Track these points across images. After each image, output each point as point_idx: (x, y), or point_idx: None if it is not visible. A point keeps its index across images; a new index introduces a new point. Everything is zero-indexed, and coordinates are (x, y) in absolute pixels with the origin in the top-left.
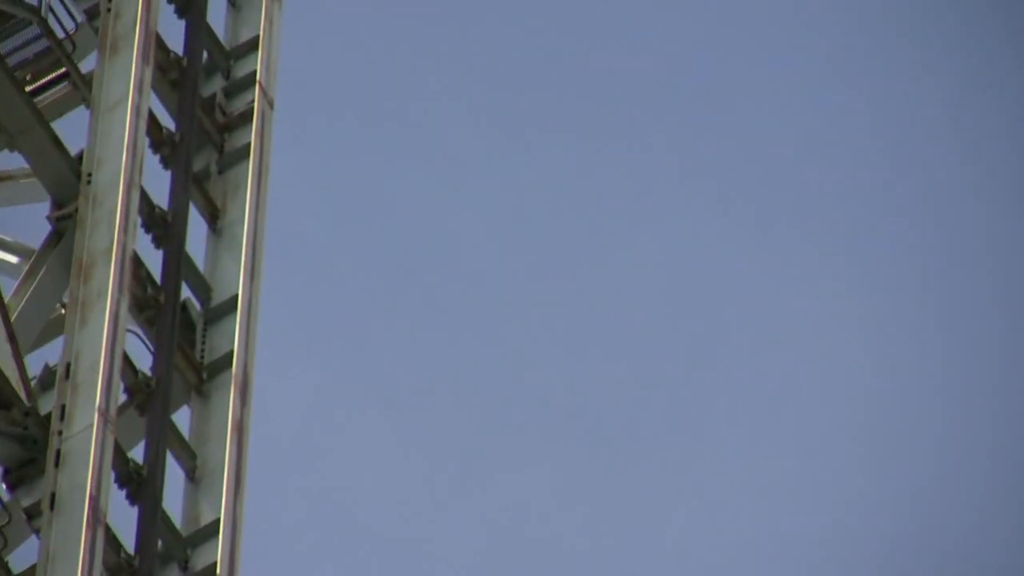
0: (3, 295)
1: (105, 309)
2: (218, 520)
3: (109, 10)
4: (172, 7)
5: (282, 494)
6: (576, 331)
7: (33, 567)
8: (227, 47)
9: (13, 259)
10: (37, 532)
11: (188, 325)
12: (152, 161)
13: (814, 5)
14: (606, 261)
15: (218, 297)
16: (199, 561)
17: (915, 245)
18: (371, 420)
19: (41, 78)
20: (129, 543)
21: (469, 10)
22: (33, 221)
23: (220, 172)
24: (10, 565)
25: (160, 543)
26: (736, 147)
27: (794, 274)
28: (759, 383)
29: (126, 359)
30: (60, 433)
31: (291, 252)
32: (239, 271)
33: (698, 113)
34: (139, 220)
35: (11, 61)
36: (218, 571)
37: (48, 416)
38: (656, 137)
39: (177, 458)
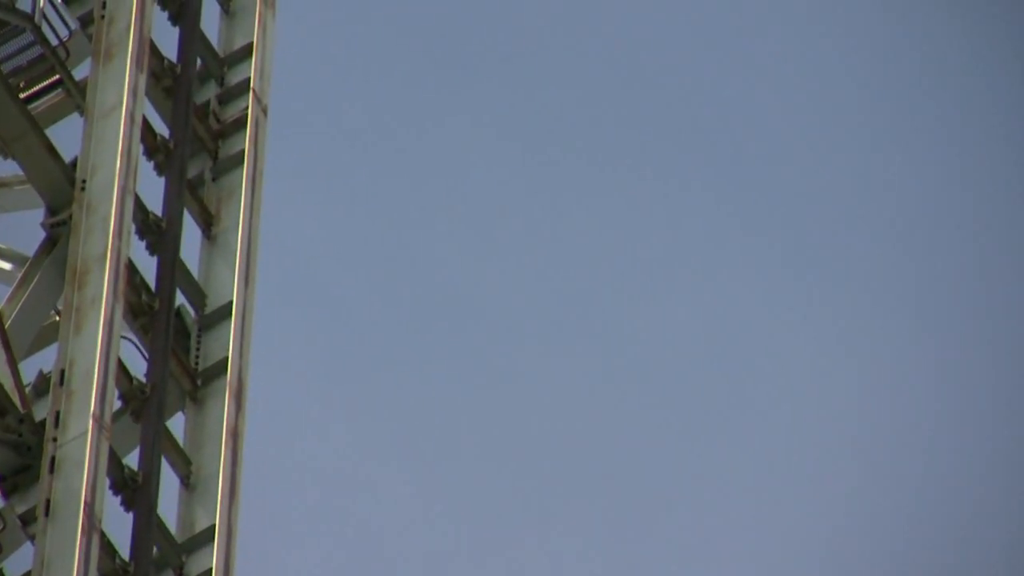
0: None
1: (99, 316)
2: (213, 527)
3: (103, 17)
4: (166, 14)
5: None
6: (604, 387)
7: (28, 574)
8: (221, 54)
9: (7, 266)
10: (32, 539)
11: (183, 332)
12: (146, 168)
13: (858, 67)
14: (636, 315)
15: (212, 304)
16: (194, 568)
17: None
18: (396, 476)
19: (35, 85)
20: (124, 550)
21: (480, 26)
22: (27, 228)
23: (214, 179)
24: (5, 572)
25: (155, 550)
26: (772, 190)
27: (819, 335)
28: (787, 442)
29: (120, 366)
30: (55, 440)
31: (316, 302)
32: (233, 278)
33: (736, 154)
34: (133, 227)
35: (5, 68)
36: None
37: (43, 423)
38: (693, 178)
39: (172, 464)
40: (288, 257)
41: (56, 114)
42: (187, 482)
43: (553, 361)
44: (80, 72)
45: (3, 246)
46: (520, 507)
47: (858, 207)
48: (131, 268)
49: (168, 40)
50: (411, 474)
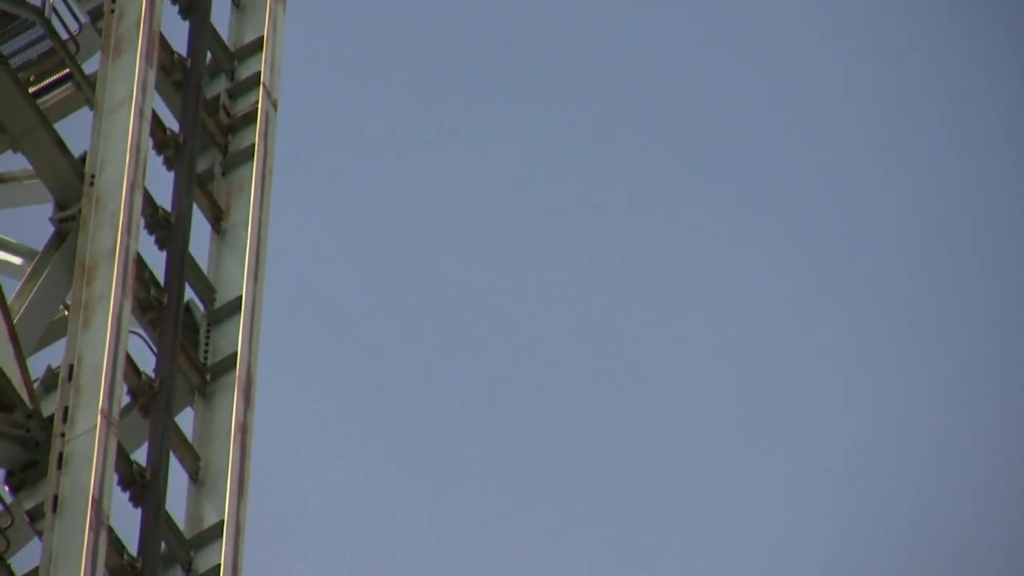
0: (5, 297)
1: (108, 311)
2: (222, 522)
3: (113, 11)
4: (176, 8)
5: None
6: (615, 413)
7: (36, 570)
8: (231, 48)
9: (16, 260)
10: (40, 535)
11: (191, 327)
12: (155, 162)
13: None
14: (648, 341)
15: (222, 299)
16: (202, 563)
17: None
18: (410, 502)
19: (44, 79)
20: (132, 545)
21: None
22: (36, 223)
23: (224, 173)
24: (13, 568)
25: (163, 545)
26: (787, 219)
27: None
28: (805, 465)
29: (129, 361)
30: (63, 435)
31: (326, 308)
32: (243, 273)
33: (743, 166)
34: (142, 221)
35: (14, 63)
36: (221, 574)
37: (51, 418)
38: (703, 207)
39: (180, 460)
40: (299, 264)
41: (65, 108)
42: (195, 478)
43: (567, 379)
44: (90, 66)
45: (12, 241)
46: (532, 527)
47: (862, 220)
48: (140, 263)
49: (178, 34)
50: (417, 473)
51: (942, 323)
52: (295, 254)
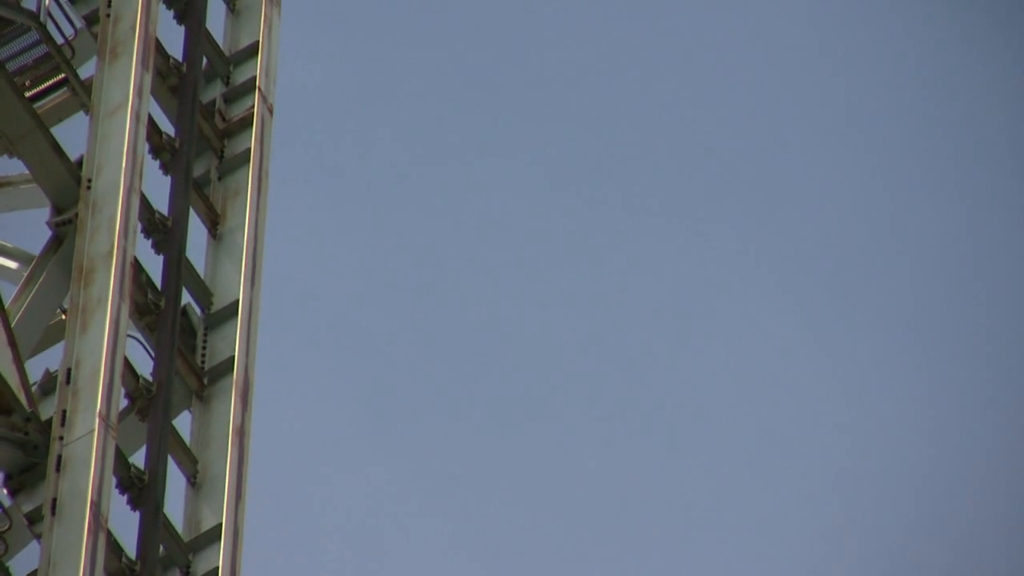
0: (3, 301)
1: (106, 315)
2: (220, 525)
3: (108, 16)
4: (171, 13)
5: None
6: (632, 431)
7: (34, 572)
8: (227, 53)
9: (13, 265)
10: (38, 538)
11: (189, 330)
12: (152, 167)
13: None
14: (668, 358)
15: (219, 303)
16: (201, 567)
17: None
18: (430, 519)
19: (40, 84)
20: (131, 548)
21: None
22: (33, 227)
23: (220, 178)
24: (11, 571)
25: (162, 548)
26: (805, 242)
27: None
28: (823, 489)
29: (127, 364)
30: (61, 439)
31: (358, 341)
32: (240, 276)
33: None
34: (139, 225)
35: (10, 67)
36: None
37: (49, 422)
38: (727, 229)
39: (178, 463)
40: (298, 269)
41: (62, 113)
42: (193, 481)
43: (583, 394)
44: (86, 71)
45: (9, 245)
46: (548, 543)
47: (871, 229)
48: (137, 267)
49: (174, 39)
50: (420, 478)
51: (950, 335)
52: (293, 259)
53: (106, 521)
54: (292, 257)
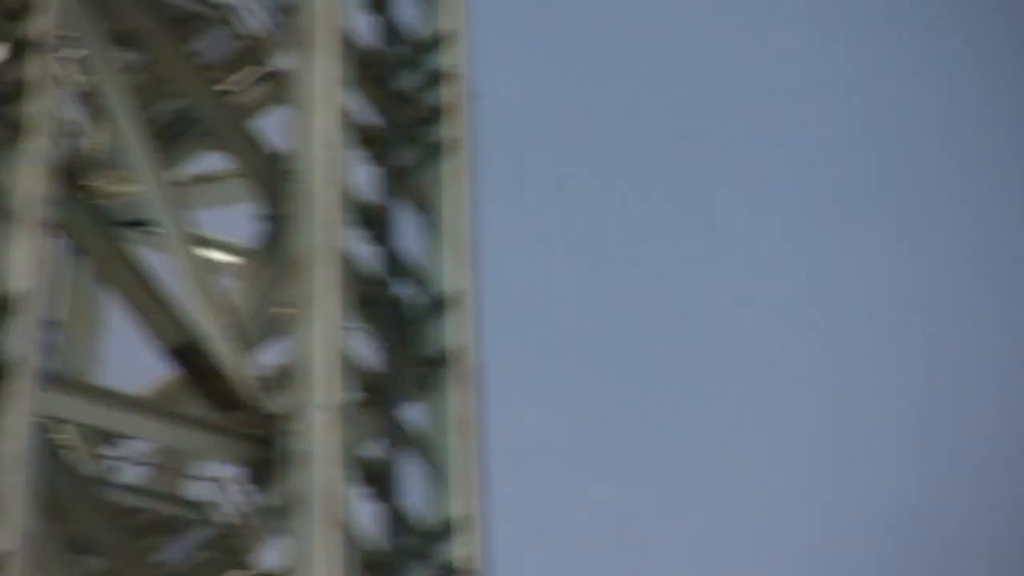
0: (229, 296)
1: (328, 307)
2: (457, 515)
3: (303, 8)
4: (365, 2)
5: None
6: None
7: (276, 567)
8: (422, 40)
9: (234, 260)
10: (277, 531)
11: (411, 320)
12: (357, 158)
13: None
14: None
15: (439, 292)
16: (441, 556)
17: None
18: (651, 528)
19: (240, 78)
20: (370, 540)
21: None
22: (245, 220)
23: (426, 166)
24: (255, 566)
25: (400, 539)
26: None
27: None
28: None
29: (351, 356)
30: (292, 433)
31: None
32: (458, 265)
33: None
34: (350, 217)
35: (209, 63)
36: (463, 566)
37: (279, 416)
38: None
39: (411, 454)
40: (512, 257)
41: (263, 106)
42: (427, 470)
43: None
44: (283, 64)
45: (228, 240)
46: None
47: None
48: (353, 258)
49: (369, 29)
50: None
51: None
52: (504, 247)
53: (343, 513)
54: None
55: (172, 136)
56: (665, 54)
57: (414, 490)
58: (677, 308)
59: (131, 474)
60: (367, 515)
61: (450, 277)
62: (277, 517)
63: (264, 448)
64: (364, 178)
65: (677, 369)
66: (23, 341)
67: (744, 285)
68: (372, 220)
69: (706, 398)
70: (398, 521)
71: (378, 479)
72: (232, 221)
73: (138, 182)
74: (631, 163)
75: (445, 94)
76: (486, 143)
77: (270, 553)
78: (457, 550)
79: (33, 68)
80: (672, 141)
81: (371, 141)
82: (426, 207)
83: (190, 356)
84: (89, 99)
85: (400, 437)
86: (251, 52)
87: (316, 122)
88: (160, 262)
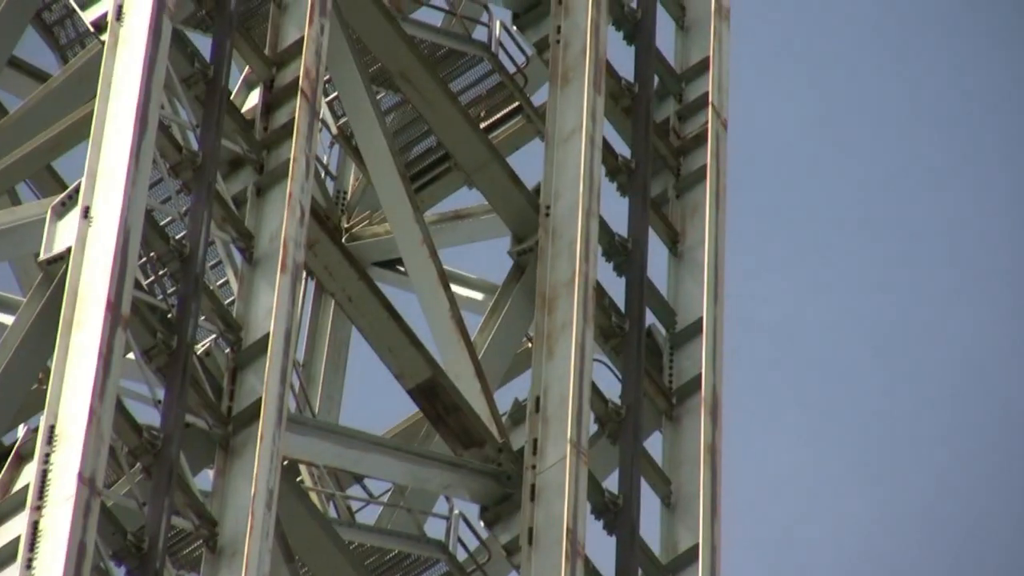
0: (469, 333)
1: (571, 340)
2: (696, 546)
3: (558, 42)
4: (620, 34)
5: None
6: None
7: None
8: (678, 70)
9: (478, 296)
10: (517, 568)
11: (654, 351)
12: (608, 189)
13: None
14: None
15: (683, 321)
16: None
17: None
18: (846, 496)
19: (495, 113)
20: (608, 574)
21: None
22: (495, 257)
23: (677, 196)
24: None
25: (640, 572)
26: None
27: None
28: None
29: (594, 389)
30: (534, 467)
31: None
32: (703, 294)
33: None
34: (599, 249)
35: (464, 99)
36: None
37: (521, 451)
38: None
39: (651, 485)
40: (753, 283)
41: (517, 141)
42: (667, 502)
43: None
44: (538, 98)
45: (472, 276)
46: None
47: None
48: (599, 291)
49: (624, 60)
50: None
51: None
52: (749, 273)
53: (583, 548)
54: (740, 273)
55: (423, 174)
56: None
57: (652, 522)
58: None
59: (370, 513)
60: (606, 548)
61: (692, 307)
62: (517, 553)
63: (505, 484)
64: (618, 209)
65: None
66: (270, 383)
67: None
68: (623, 251)
69: None
70: (638, 554)
71: (618, 512)
72: (482, 257)
73: (392, 222)
74: None
75: (697, 123)
76: (737, 172)
77: None
78: None
79: (292, 110)
80: None
81: (626, 172)
82: (674, 237)
83: (433, 393)
84: (343, 140)
85: (642, 469)
86: (508, 87)
87: (572, 154)
88: (402, 298)
